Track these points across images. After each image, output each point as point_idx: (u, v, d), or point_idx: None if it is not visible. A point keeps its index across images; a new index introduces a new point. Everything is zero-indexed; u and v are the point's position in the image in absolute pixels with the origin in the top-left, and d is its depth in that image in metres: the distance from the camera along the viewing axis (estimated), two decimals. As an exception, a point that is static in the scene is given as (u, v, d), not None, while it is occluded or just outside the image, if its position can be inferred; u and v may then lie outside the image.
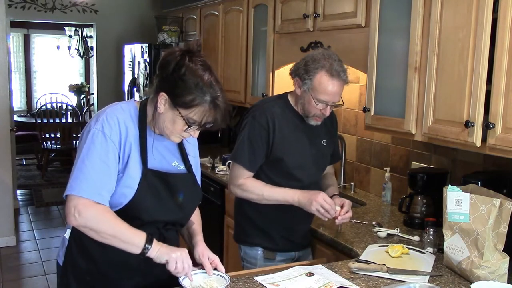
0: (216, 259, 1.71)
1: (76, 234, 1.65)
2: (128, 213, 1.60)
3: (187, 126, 1.59)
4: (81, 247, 1.65)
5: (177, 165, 1.74)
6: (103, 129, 1.56)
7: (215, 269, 1.69)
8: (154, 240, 1.56)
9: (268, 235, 2.23)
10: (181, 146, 1.77)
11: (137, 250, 1.54)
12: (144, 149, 1.63)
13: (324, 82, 2.03)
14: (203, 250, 1.73)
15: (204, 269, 1.67)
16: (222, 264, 1.71)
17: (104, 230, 1.53)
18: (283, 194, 2.11)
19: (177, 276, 1.59)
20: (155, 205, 1.63)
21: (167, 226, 1.71)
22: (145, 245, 1.54)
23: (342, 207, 2.11)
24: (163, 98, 1.57)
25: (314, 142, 2.22)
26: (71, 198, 1.54)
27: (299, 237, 2.30)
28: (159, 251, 1.56)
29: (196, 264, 1.70)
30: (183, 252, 1.59)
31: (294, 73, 2.13)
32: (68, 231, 1.70)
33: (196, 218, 1.87)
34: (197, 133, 1.65)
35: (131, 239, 1.54)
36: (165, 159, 1.71)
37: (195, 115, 1.57)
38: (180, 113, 1.57)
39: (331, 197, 2.20)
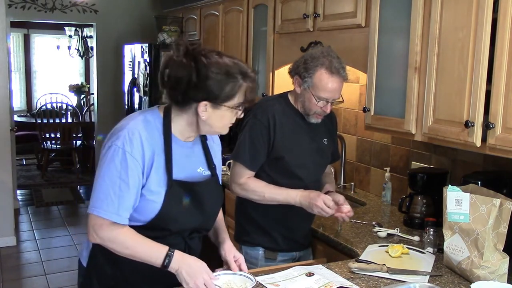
0: (241, 258, 1.73)
1: None
2: (156, 225, 1.59)
3: (236, 112, 1.60)
4: (106, 253, 1.60)
5: (202, 171, 1.71)
6: (124, 147, 1.52)
7: (240, 269, 1.72)
8: (174, 256, 1.55)
9: (269, 235, 2.23)
10: (205, 149, 1.75)
11: (158, 266, 1.55)
12: (170, 160, 1.59)
13: (324, 79, 2.04)
14: (230, 248, 1.75)
15: (227, 270, 1.69)
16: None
17: (120, 250, 1.55)
18: (284, 195, 2.11)
19: None
20: (182, 215, 1.62)
21: (192, 234, 1.70)
22: (164, 263, 1.54)
23: (337, 204, 2.10)
24: (203, 106, 1.54)
25: (315, 140, 2.22)
26: (91, 217, 1.55)
27: (301, 236, 2.30)
28: (178, 270, 1.55)
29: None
30: (200, 276, 1.55)
31: (293, 72, 2.14)
32: None
33: (219, 214, 1.86)
34: (242, 112, 1.64)
35: (148, 258, 1.55)
36: (190, 167, 1.67)
37: (239, 98, 1.57)
38: (227, 106, 1.56)
39: (326, 193, 2.20)
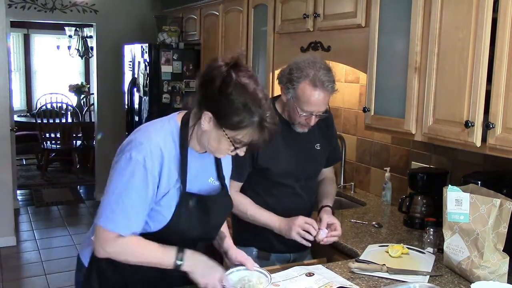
0: (249, 259, 1.73)
1: None
2: (161, 235, 1.58)
3: (233, 147, 1.51)
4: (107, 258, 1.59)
5: (212, 181, 1.70)
6: (145, 163, 1.49)
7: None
8: (186, 255, 1.55)
9: (262, 236, 2.18)
10: (217, 159, 1.71)
11: (170, 267, 1.55)
12: (185, 172, 1.56)
13: (307, 92, 1.96)
14: (237, 252, 1.75)
15: (241, 266, 1.70)
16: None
17: (130, 260, 1.55)
18: (265, 219, 2.09)
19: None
20: (189, 227, 1.61)
21: (195, 242, 1.69)
22: (175, 263, 1.54)
23: (329, 225, 2.04)
24: (207, 116, 1.47)
25: (303, 148, 2.16)
26: (100, 229, 1.52)
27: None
28: (191, 268, 1.56)
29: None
30: (214, 274, 1.57)
31: (279, 80, 2.08)
32: None
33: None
34: (243, 152, 1.55)
35: (159, 261, 1.56)
36: (202, 177, 1.66)
37: (242, 136, 1.48)
38: (226, 134, 1.48)
39: (321, 208, 2.16)
